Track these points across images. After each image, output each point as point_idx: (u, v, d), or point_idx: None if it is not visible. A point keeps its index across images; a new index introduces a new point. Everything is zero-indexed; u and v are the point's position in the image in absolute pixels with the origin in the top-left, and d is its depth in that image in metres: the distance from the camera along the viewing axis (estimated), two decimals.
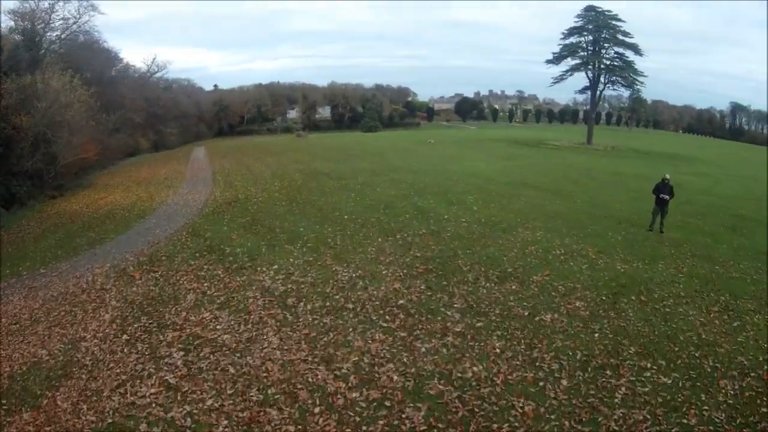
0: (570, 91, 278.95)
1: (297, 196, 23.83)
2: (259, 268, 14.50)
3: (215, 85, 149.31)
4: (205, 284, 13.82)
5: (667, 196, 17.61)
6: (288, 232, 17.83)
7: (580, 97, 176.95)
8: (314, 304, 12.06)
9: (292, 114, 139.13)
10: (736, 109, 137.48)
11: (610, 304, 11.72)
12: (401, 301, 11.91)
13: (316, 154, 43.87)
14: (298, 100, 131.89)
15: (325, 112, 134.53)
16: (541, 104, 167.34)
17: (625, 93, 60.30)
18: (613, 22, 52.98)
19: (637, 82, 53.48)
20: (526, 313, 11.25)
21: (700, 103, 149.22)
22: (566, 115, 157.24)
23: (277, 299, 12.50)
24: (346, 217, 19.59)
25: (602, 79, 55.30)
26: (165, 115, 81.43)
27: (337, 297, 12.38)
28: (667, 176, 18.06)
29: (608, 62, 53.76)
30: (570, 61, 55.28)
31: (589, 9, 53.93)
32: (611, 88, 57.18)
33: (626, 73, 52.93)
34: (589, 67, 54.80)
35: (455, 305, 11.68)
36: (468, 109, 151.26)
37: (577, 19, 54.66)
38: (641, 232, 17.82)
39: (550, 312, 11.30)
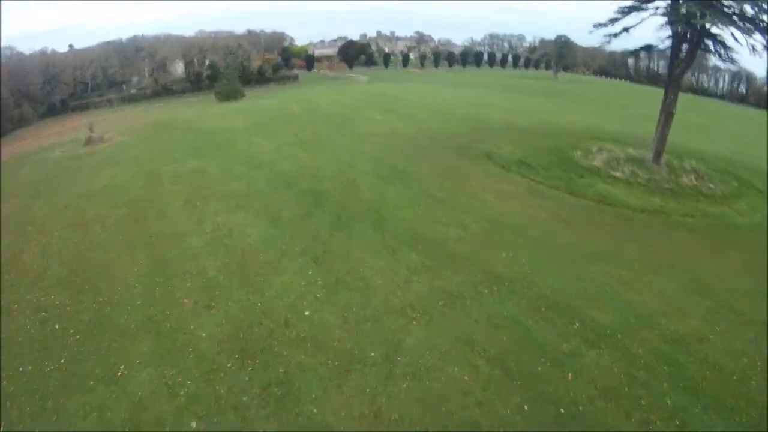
0: (467, 29, 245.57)
1: None
2: None
3: (70, 46, 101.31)
4: None
5: None
6: None
7: (477, 37, 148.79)
8: None
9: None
10: (653, 53, 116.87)
11: None
12: None
13: None
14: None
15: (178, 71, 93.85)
16: (437, 46, 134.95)
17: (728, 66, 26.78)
18: None
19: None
20: None
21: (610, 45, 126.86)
22: (468, 57, 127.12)
23: None
24: None
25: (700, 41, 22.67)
26: None
27: None
28: None
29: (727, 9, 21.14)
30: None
31: None
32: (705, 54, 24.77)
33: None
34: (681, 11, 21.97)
35: None
36: (354, 54, 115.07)
37: None
38: None
39: None
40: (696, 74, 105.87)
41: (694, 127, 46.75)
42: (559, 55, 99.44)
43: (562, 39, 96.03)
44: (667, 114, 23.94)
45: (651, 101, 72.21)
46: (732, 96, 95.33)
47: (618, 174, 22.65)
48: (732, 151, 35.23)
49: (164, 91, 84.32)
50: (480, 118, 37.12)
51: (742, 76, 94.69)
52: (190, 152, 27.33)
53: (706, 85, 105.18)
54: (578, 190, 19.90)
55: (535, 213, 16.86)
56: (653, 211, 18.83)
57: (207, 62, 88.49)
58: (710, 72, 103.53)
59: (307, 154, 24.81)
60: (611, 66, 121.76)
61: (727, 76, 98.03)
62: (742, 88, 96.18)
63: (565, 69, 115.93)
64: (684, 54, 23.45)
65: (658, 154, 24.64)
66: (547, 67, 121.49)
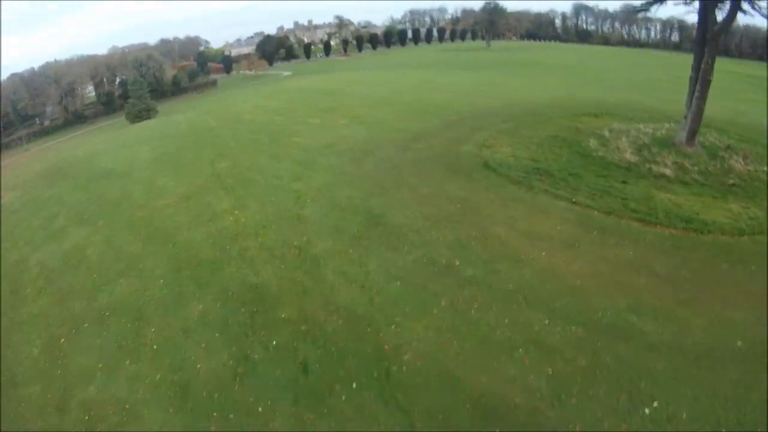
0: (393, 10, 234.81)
1: None
2: None
3: None
4: None
5: None
6: None
7: (397, 14, 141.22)
8: None
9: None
10: (580, 9, 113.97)
11: None
12: None
13: None
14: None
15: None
16: (358, 29, 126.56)
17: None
18: None
19: None
20: None
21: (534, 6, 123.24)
22: (391, 37, 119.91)
23: None
24: None
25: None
26: None
27: None
28: None
29: None
30: None
31: None
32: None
33: None
34: None
35: None
36: (273, 49, 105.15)
37: None
38: None
39: None
40: (627, 26, 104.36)
41: (664, 83, 42.46)
42: (489, 23, 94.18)
43: (492, 5, 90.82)
44: (703, 83, 17.94)
45: (594, 59, 68.52)
46: (665, 44, 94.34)
47: (665, 170, 16.60)
48: (729, 109, 30.48)
49: (76, 118, 73.49)
50: (440, 106, 30.24)
51: (673, 23, 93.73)
52: (74, 217, 19.36)
53: (638, 36, 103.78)
54: (642, 210, 13.44)
55: (622, 275, 10.18)
56: (750, 231, 12.74)
57: (117, 80, 78.93)
58: (640, 23, 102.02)
59: (230, 202, 16.91)
60: (538, 28, 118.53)
61: (658, 25, 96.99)
62: (675, 36, 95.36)
63: (494, 36, 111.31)
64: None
65: (692, 134, 18.84)
66: (474, 37, 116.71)
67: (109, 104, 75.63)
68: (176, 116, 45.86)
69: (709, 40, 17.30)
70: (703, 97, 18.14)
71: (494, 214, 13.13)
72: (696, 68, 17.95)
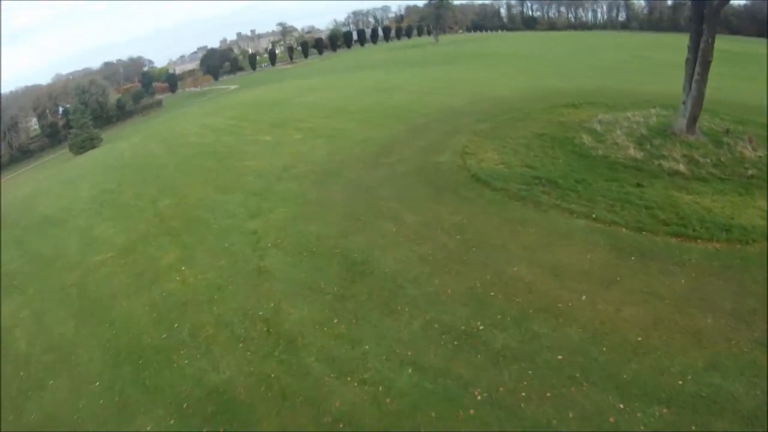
0: (335, 13, 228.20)
1: None
2: None
3: None
4: None
5: None
6: None
7: (340, 17, 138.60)
8: None
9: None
10: None
11: None
12: None
13: None
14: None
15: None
16: (302, 35, 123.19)
17: None
18: None
19: None
20: None
21: None
22: (336, 40, 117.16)
23: None
24: None
25: None
26: None
27: None
28: None
29: None
30: None
31: None
32: None
33: None
34: None
35: None
36: (217, 62, 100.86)
37: None
38: None
39: None
40: (573, 9, 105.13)
41: (627, 64, 41.74)
42: (436, 17, 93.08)
43: (437, 0, 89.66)
44: (703, 64, 16.24)
45: (546, 46, 67.81)
46: (613, 25, 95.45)
47: (677, 167, 14.79)
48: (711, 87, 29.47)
49: (22, 154, 68.38)
50: (401, 109, 27.99)
51: (619, 3, 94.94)
52: (5, 283, 16.27)
53: (585, 19, 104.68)
54: (673, 221, 11.44)
55: (684, 317, 8.10)
56: None
57: (60, 109, 73.56)
58: (587, 5, 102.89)
59: (176, 254, 14.01)
60: (483, 19, 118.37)
61: (605, 6, 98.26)
62: (622, 15, 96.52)
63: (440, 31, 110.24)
64: None
65: (693, 121, 17.18)
66: (420, 33, 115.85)
67: (53, 136, 70.36)
68: (120, 143, 42.11)
69: (708, 16, 15.65)
70: (703, 80, 16.52)
71: (505, 245, 10.76)
72: (693, 49, 16.30)
